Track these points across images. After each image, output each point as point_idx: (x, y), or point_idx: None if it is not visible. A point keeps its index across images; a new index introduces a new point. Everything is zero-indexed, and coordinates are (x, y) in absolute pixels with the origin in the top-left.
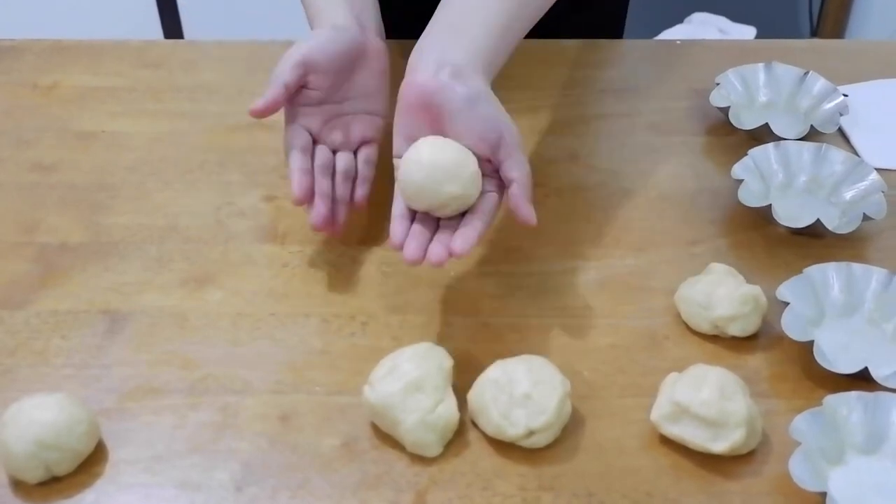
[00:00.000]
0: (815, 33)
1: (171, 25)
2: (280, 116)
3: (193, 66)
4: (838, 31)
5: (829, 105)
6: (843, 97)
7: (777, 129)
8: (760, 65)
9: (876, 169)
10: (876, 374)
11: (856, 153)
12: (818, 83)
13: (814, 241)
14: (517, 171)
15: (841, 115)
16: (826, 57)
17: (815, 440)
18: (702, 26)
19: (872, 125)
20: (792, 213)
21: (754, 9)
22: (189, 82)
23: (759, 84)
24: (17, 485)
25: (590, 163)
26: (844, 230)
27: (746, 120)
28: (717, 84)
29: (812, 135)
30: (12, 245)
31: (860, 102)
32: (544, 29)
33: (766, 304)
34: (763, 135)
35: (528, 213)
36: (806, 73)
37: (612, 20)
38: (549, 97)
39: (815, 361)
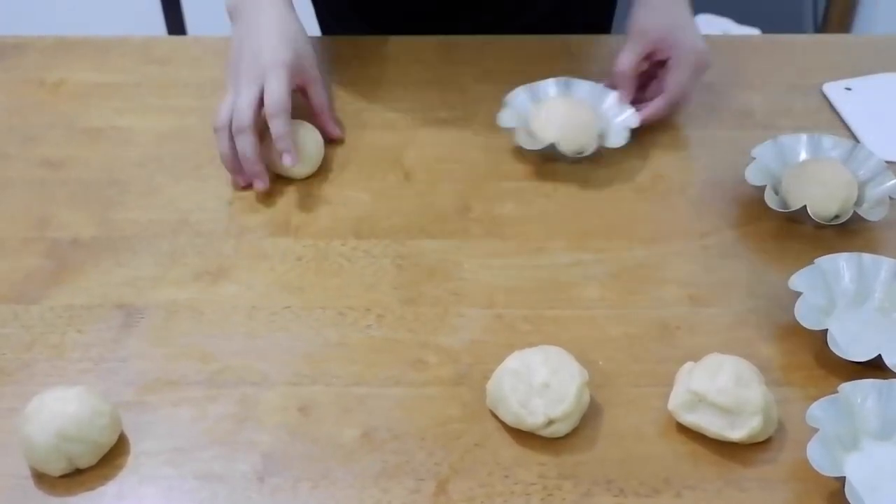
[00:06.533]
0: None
1: (175, 21)
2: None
3: (198, 62)
4: (843, 32)
5: (879, 187)
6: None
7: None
8: (803, 136)
9: (886, 162)
10: (889, 361)
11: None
12: (872, 160)
13: (823, 232)
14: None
15: (891, 198)
16: (830, 51)
17: (832, 427)
18: (706, 28)
19: (878, 118)
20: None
21: (759, 10)
22: (195, 78)
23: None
24: (41, 477)
25: (597, 157)
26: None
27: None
28: (754, 159)
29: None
30: (24, 241)
31: (865, 96)
32: (548, 27)
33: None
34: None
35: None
36: (855, 146)
37: (598, 17)
38: None
39: (828, 350)
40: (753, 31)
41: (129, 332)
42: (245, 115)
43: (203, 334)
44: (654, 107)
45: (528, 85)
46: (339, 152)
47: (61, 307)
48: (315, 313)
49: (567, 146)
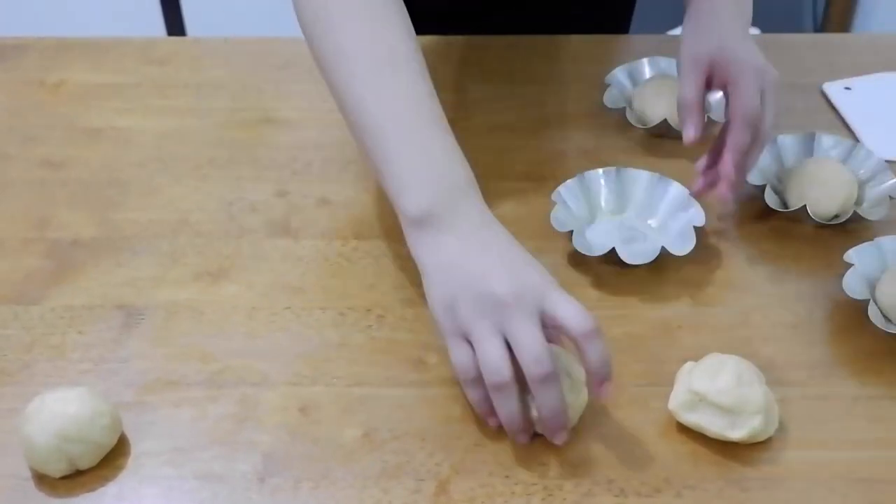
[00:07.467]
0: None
1: (175, 22)
2: (283, 113)
3: (198, 62)
4: (843, 32)
5: (879, 187)
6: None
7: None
8: (803, 136)
9: (886, 161)
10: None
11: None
12: (872, 159)
13: (823, 232)
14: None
15: (891, 197)
16: (830, 51)
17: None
18: None
19: (877, 118)
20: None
21: (759, 10)
22: (195, 79)
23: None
24: (41, 478)
25: (598, 156)
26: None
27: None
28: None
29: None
30: (24, 241)
31: (865, 95)
32: (552, 28)
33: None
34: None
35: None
36: (855, 146)
37: (618, 19)
38: (555, 91)
39: (829, 350)
40: (753, 31)
41: (129, 333)
42: (502, 369)
43: (203, 334)
44: (727, 159)
45: (624, 66)
46: (340, 152)
47: (61, 308)
48: (315, 314)
49: (677, 122)
